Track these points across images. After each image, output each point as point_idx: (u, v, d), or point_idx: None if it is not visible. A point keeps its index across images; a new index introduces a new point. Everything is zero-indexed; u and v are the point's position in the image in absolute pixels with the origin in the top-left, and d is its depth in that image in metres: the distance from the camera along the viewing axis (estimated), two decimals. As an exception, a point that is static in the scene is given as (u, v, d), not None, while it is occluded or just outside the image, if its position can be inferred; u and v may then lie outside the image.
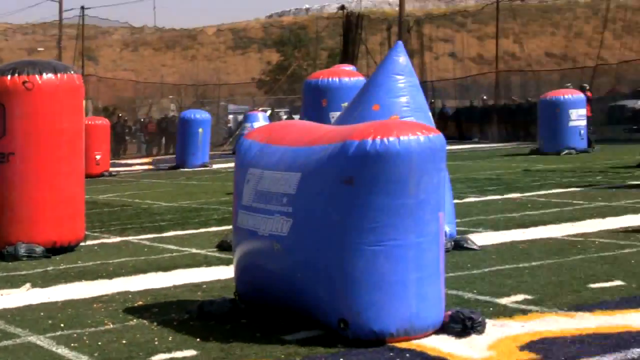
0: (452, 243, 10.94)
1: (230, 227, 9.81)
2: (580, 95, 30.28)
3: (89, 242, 13.25)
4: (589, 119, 30.27)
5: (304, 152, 7.29)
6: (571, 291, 8.44)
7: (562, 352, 6.51)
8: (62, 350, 7.16)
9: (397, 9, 54.17)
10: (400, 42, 11.73)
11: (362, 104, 11.15)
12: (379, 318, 6.70)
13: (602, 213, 13.87)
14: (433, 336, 6.93)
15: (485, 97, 46.36)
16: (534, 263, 9.99)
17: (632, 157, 24.81)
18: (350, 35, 51.42)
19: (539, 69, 52.15)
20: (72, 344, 7.30)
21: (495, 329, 7.17)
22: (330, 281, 6.84)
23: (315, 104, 15.51)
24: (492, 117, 43.70)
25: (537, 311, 7.71)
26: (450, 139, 38.52)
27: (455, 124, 45.21)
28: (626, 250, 10.50)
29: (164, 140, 49.47)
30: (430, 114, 11.62)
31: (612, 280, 8.81)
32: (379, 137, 6.70)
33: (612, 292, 8.33)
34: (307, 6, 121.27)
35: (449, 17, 63.86)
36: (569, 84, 34.35)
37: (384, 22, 56.98)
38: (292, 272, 7.16)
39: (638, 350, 6.45)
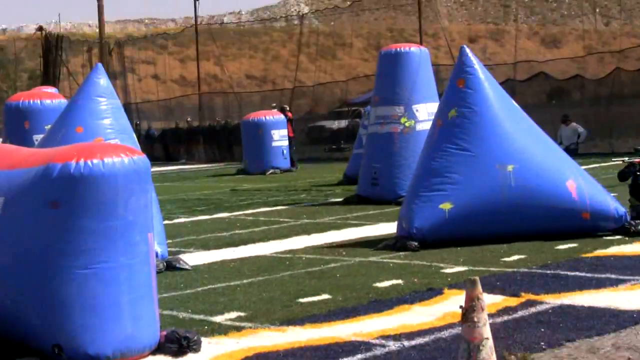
0: (165, 264, 10.91)
1: None
2: (280, 117, 31.10)
3: None
4: (290, 139, 31.12)
5: (5, 176, 7.06)
6: (282, 306, 8.64)
7: (276, 365, 6.65)
8: None
9: (97, 30, 53.43)
10: (100, 64, 11.70)
11: (65, 126, 10.98)
12: (94, 341, 6.58)
13: (308, 230, 14.31)
14: (150, 357, 6.89)
15: (189, 118, 46.59)
16: (245, 280, 10.15)
17: (333, 175, 25.75)
18: (51, 57, 50.21)
19: (241, 91, 53.06)
20: None
21: (211, 346, 7.21)
22: (42, 307, 6.66)
23: (17, 126, 15.01)
24: (197, 138, 43.99)
25: (250, 327, 7.83)
26: (157, 160, 38.44)
27: (162, 145, 45.13)
28: (331, 265, 10.88)
29: None
30: (134, 135, 11.63)
31: (319, 294, 9.10)
32: (82, 159, 6.62)
33: (320, 305, 8.59)
34: (4, 26, 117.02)
35: (150, 39, 63.66)
36: (274, 105, 35.18)
37: (84, 44, 56.05)
38: (3, 299, 6.90)
39: None
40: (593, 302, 8.00)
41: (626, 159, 12.79)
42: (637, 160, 12.30)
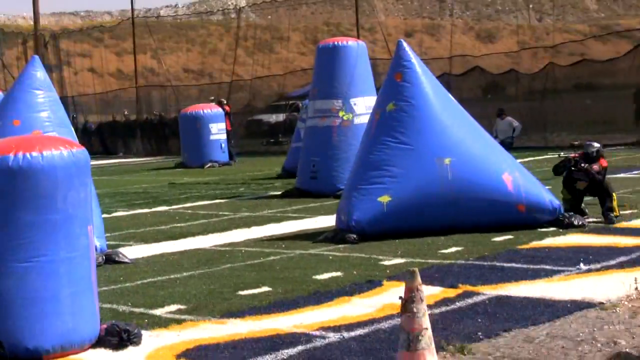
0: (104, 257, 10.84)
1: None
2: (219, 110, 30.99)
3: None
4: (229, 132, 31.04)
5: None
6: (222, 299, 8.64)
7: (217, 357, 6.67)
8: None
9: (32, 22, 52.69)
10: (36, 57, 11.61)
11: (1, 119, 10.85)
12: (34, 335, 6.54)
13: (247, 223, 14.32)
14: (90, 350, 6.86)
15: (127, 112, 46.19)
16: (185, 274, 10.13)
17: (271, 168, 25.75)
18: (-16, 50, 49.41)
19: (178, 84, 52.74)
20: None
21: (152, 339, 7.20)
22: (-18, 302, 6.56)
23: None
24: (135, 131, 43.65)
25: (191, 320, 7.83)
26: (95, 154, 38.00)
27: (99, 139, 44.70)
28: (271, 258, 10.91)
29: None
30: (72, 129, 11.53)
31: (260, 287, 9.12)
32: (20, 152, 6.56)
33: (260, 297, 8.62)
34: None
35: (86, 32, 62.97)
36: (212, 98, 35.04)
37: (19, 36, 55.20)
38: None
39: (287, 351, 6.76)
40: (528, 292, 8.13)
41: (562, 153, 12.99)
42: (572, 155, 12.51)
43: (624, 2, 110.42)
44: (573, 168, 12.32)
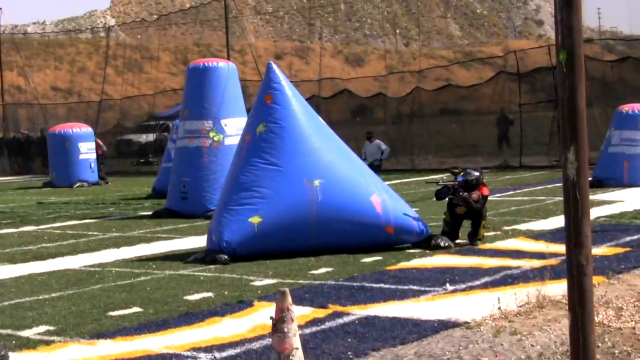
0: (-32, 279, 10.53)
1: None
2: (88, 129, 30.56)
3: None
4: (99, 156, 30.63)
5: None
6: (92, 320, 8.51)
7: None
8: None
9: None
10: None
11: None
12: None
13: (117, 243, 14.14)
14: (-45, 375, 6.63)
15: (-7, 130, 45.08)
16: (54, 294, 9.93)
17: (141, 188, 25.51)
18: None
19: (46, 102, 51.73)
20: None
21: (19, 362, 7.03)
22: None
23: None
24: (2, 150, 42.62)
25: (60, 341, 7.69)
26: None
27: (-36, 157, 43.48)
28: (141, 278, 10.80)
29: None
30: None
31: (130, 307, 9.02)
32: None
33: (130, 318, 8.52)
34: None
35: (-49, 47, 61.33)
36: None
37: None
38: None
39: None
40: (397, 312, 8.26)
41: (441, 181, 13.22)
42: (450, 183, 12.74)
43: (487, 30, 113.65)
44: (452, 197, 12.56)
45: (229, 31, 39.09)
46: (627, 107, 21.38)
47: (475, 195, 12.40)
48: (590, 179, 19.57)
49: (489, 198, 12.75)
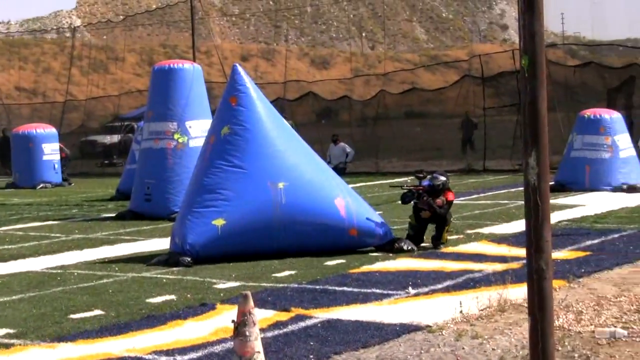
0: None
1: None
2: (52, 130, 30.34)
3: None
4: (63, 159, 30.43)
5: None
6: (53, 323, 8.44)
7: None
8: None
9: None
10: None
11: None
12: None
13: (80, 245, 14.04)
14: None
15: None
16: (14, 297, 9.84)
17: (105, 190, 25.35)
18: None
19: (10, 102, 51.30)
20: None
21: (-22, 365, 6.95)
22: None
23: None
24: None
25: (20, 344, 7.62)
26: None
27: None
28: (104, 281, 10.73)
29: None
30: None
31: (92, 310, 8.96)
32: None
33: (92, 321, 8.46)
34: None
35: None
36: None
37: None
38: None
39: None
40: (359, 316, 8.25)
41: (406, 185, 13.22)
42: (414, 187, 12.75)
43: (452, 34, 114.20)
44: (416, 201, 12.56)
45: (195, 32, 38.94)
46: (589, 112, 21.54)
47: (439, 200, 12.42)
48: (552, 183, 19.75)
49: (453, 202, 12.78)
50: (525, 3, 5.47)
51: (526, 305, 5.71)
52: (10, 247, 14.14)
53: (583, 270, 10.18)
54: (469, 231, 14.01)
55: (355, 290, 9.54)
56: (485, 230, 14.15)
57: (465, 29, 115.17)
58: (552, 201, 16.57)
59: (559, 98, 29.80)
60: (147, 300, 9.37)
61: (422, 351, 7.01)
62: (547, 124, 5.60)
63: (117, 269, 11.61)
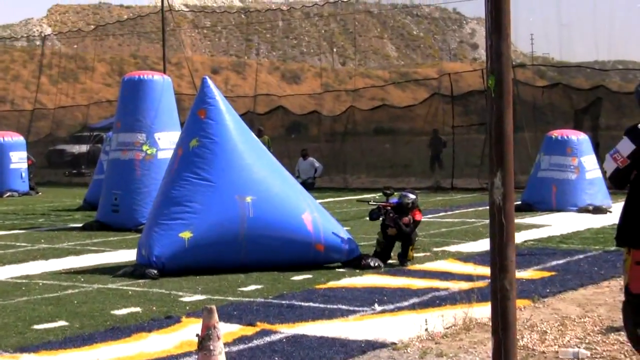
0: None
1: None
2: (20, 138, 30.16)
3: None
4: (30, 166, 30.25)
5: None
6: (16, 333, 8.37)
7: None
8: None
9: None
10: None
11: None
12: None
13: (45, 255, 13.95)
14: None
15: None
16: (-23, 306, 9.74)
17: (73, 200, 25.22)
18: None
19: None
20: None
21: (-61, 375, 6.88)
22: None
23: None
24: None
25: (-19, 355, 7.54)
26: None
27: None
28: (69, 291, 10.65)
29: None
30: None
31: (56, 321, 8.89)
32: None
33: (56, 332, 8.40)
34: None
35: None
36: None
37: None
38: None
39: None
40: (324, 332, 8.24)
41: (372, 201, 13.22)
42: (382, 204, 12.75)
43: (422, 51, 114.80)
44: (383, 217, 12.57)
45: (165, 44, 38.85)
46: (556, 133, 21.69)
47: (406, 219, 12.43)
48: (519, 202, 19.86)
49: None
50: (493, 24, 5.52)
51: (491, 324, 5.73)
52: (-26, 255, 14.02)
53: (548, 290, 10.23)
54: (435, 249, 14.04)
55: (321, 306, 9.53)
56: (452, 248, 14.19)
57: (435, 47, 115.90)
58: (518, 220, 16.75)
59: (527, 118, 29.96)
60: (112, 312, 9.32)
61: (387, 368, 7.01)
62: (515, 144, 5.64)
63: (82, 279, 11.53)
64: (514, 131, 5.69)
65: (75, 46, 65.13)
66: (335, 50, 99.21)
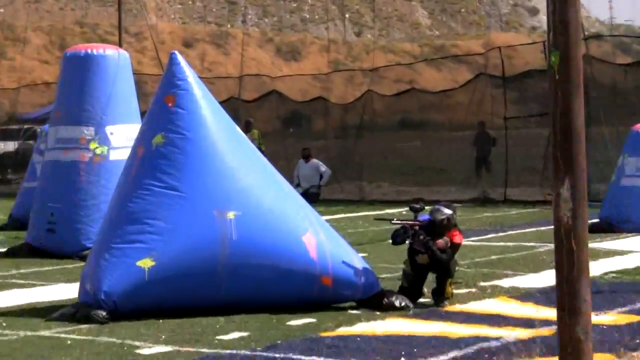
0: None
1: None
2: None
3: None
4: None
5: None
6: None
7: None
8: None
9: None
10: None
11: None
12: None
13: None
14: None
15: None
16: None
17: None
18: None
19: None
20: None
21: None
22: None
23: None
24: None
25: None
26: None
27: None
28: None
29: None
30: None
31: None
32: None
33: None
34: None
35: None
36: None
37: None
38: None
39: None
40: (333, 396, 8.16)
41: (395, 219, 13.02)
42: (409, 222, 12.54)
43: (464, 18, 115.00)
44: (410, 241, 12.39)
45: (122, 8, 38.98)
46: (645, 127, 21.61)
47: (441, 241, 12.27)
48: (596, 220, 19.78)
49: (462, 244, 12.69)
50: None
51: (561, 388, 5.63)
52: None
53: (638, 341, 10.13)
54: (483, 283, 13.98)
55: (328, 360, 9.45)
56: (505, 282, 14.13)
57: (481, 12, 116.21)
58: (594, 245, 16.67)
59: (604, 107, 29.90)
60: (44, 370, 9.27)
61: None
62: (588, 141, 5.54)
63: (5, 324, 11.47)
64: (587, 125, 5.60)
65: (2, 11, 65.46)
66: (347, 16, 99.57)
